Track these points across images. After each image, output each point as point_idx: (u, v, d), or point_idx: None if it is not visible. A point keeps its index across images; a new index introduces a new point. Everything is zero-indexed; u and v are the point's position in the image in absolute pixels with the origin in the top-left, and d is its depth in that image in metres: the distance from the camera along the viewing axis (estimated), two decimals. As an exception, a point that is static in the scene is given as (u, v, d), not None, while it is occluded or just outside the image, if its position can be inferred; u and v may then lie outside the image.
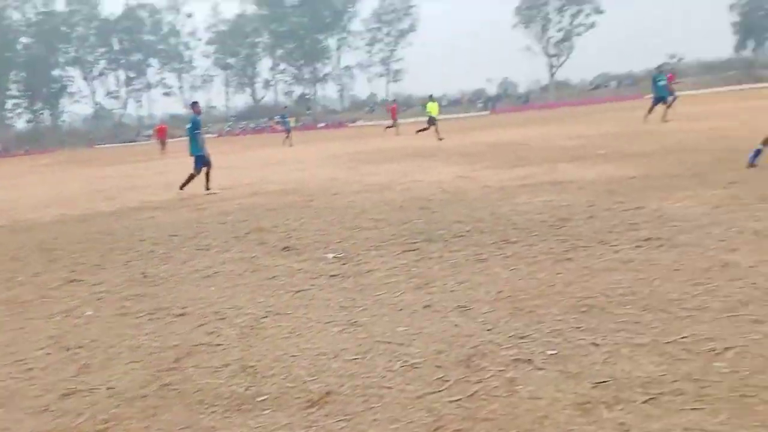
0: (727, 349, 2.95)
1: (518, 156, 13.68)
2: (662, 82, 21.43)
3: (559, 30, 77.65)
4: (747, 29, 72.83)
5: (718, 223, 5.50)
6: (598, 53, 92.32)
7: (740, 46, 74.27)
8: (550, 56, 78.21)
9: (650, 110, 21.19)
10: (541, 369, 2.94)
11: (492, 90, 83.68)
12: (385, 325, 3.74)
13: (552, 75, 79.00)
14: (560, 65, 78.69)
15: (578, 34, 77.26)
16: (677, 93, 25.25)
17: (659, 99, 21.13)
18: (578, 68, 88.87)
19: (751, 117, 18.26)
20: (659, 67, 24.74)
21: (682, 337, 3.13)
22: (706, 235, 5.10)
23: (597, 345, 3.14)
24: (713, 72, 66.06)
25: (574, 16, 76.79)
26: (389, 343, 3.43)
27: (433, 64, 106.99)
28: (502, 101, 74.18)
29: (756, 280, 3.88)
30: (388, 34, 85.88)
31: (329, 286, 4.71)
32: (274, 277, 5.11)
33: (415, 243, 5.86)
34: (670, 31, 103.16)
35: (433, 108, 24.33)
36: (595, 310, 3.63)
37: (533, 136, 20.00)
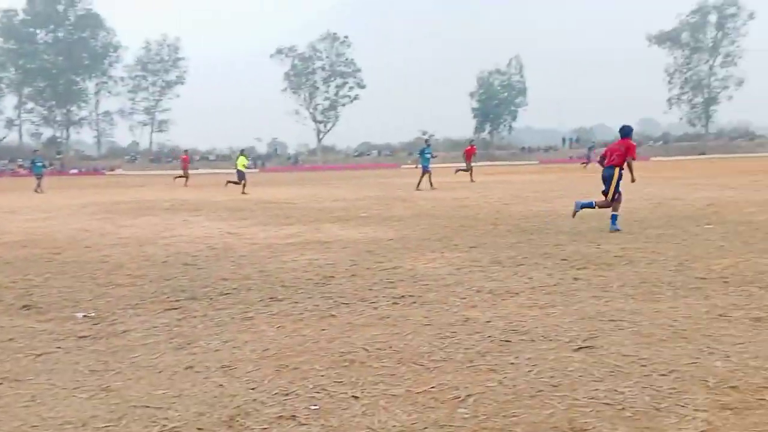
0: (468, 396, 3.29)
1: (286, 214, 13.94)
2: (428, 154, 23.60)
3: (326, 99, 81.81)
4: (484, 114, 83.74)
5: (461, 282, 6.17)
6: (361, 124, 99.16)
7: (479, 128, 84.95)
8: (317, 122, 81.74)
9: (420, 180, 22.85)
10: (304, 425, 2.99)
11: (262, 149, 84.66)
12: (141, 388, 3.50)
13: (320, 140, 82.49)
14: (327, 131, 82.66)
15: (343, 105, 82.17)
16: (473, 164, 27.98)
17: (425, 169, 23.15)
18: (344, 136, 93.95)
19: (486, 190, 20.97)
20: (427, 140, 27.68)
21: (431, 387, 3.42)
22: (451, 293, 5.69)
23: (357, 398, 3.29)
24: (458, 149, 74.75)
25: (339, 87, 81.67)
26: (146, 407, 3.22)
27: (203, 117, 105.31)
28: (272, 160, 75.42)
29: (491, 333, 4.41)
30: (153, 84, 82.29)
31: (77, 348, 4.29)
32: (11, 339, 4.51)
33: (178, 301, 5.61)
34: (423, 110, 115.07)
35: (241, 162, 24.34)
36: (356, 365, 3.82)
37: (301, 196, 20.57)
